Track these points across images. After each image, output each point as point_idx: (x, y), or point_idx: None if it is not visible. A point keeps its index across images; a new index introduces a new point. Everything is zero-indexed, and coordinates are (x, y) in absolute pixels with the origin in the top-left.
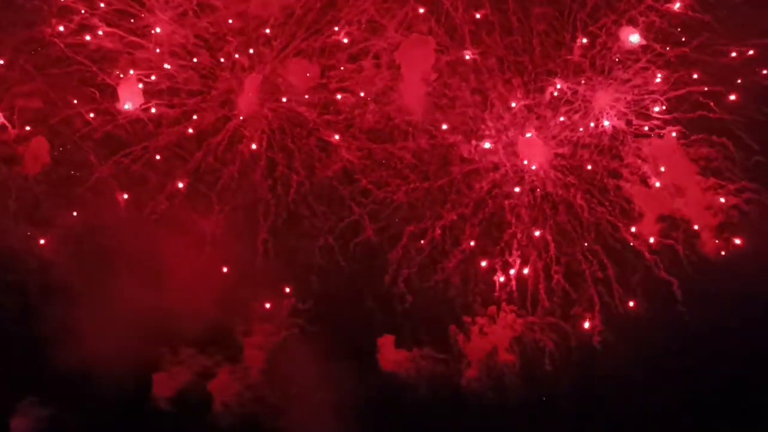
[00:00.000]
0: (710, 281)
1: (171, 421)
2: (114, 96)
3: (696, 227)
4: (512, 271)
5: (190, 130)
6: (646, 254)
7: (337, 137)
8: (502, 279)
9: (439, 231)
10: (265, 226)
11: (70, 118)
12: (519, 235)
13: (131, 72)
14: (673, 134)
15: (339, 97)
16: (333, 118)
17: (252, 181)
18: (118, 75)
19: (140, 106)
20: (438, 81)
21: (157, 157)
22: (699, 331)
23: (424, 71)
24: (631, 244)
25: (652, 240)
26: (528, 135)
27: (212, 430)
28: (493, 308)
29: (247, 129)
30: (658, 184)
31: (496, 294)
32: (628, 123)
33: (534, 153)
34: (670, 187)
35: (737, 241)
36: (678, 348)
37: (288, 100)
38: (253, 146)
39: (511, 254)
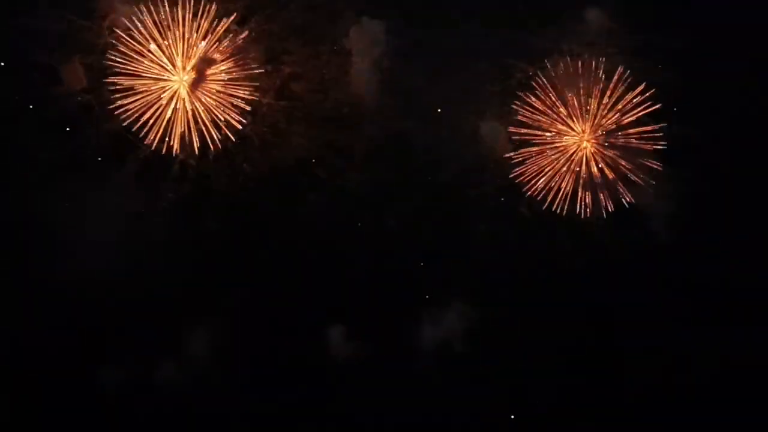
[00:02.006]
0: (661, 267)
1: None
2: (56, 79)
3: (647, 215)
4: (477, 261)
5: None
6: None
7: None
8: (464, 268)
9: (400, 221)
10: (216, 214)
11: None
12: (482, 227)
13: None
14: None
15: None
16: (288, 105)
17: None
18: (60, 57)
19: (81, 89)
20: (391, 67)
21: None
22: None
23: (375, 57)
24: (594, 234)
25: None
26: (490, 122)
27: (159, 418)
28: (448, 297)
29: (199, 115)
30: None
31: (455, 284)
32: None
33: (496, 140)
34: (623, 174)
35: (687, 228)
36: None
37: (240, 85)
38: (206, 133)
39: (476, 246)
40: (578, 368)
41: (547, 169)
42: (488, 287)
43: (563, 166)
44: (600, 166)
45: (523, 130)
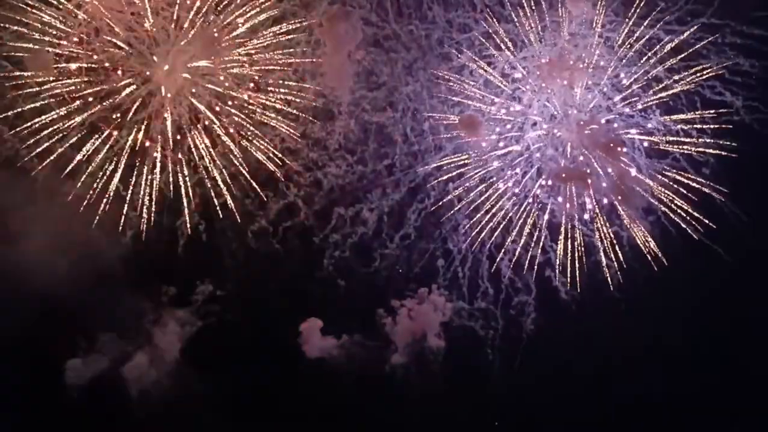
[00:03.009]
0: (643, 267)
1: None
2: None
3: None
4: (455, 256)
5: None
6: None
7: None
8: (441, 263)
9: (377, 215)
10: (190, 208)
11: None
12: (462, 221)
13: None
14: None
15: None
16: (266, 97)
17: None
18: (29, 46)
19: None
20: (367, 57)
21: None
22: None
23: (350, 48)
24: (574, 227)
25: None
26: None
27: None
28: (424, 290)
29: (171, 106)
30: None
31: (434, 278)
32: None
33: (476, 132)
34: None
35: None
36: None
37: (214, 76)
38: (180, 124)
39: (454, 240)
40: (557, 363)
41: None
42: (468, 281)
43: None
44: (581, 159)
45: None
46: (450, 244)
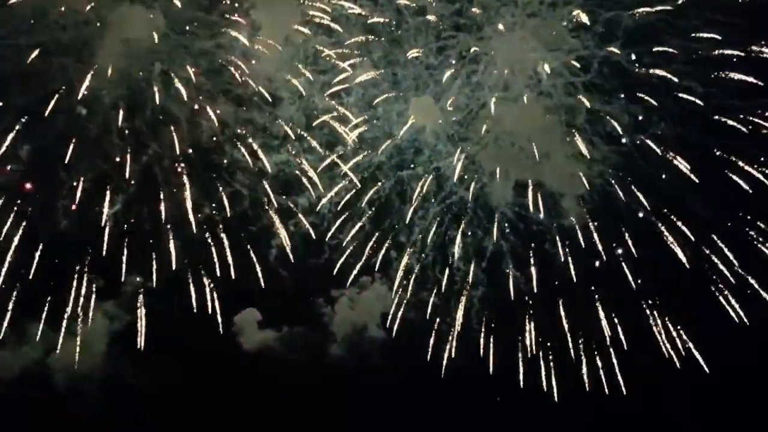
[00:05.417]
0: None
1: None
2: None
3: (559, 195)
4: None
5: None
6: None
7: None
8: (394, 254)
9: (327, 205)
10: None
11: None
12: (417, 211)
13: None
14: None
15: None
16: (207, 82)
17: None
18: None
19: None
20: (311, 42)
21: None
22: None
23: (289, 31)
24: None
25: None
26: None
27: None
28: (367, 279)
29: (108, 89)
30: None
31: (385, 269)
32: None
33: (432, 118)
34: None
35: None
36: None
37: (156, 57)
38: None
39: (405, 231)
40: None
41: None
42: (420, 272)
43: None
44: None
45: None
46: (401, 236)
